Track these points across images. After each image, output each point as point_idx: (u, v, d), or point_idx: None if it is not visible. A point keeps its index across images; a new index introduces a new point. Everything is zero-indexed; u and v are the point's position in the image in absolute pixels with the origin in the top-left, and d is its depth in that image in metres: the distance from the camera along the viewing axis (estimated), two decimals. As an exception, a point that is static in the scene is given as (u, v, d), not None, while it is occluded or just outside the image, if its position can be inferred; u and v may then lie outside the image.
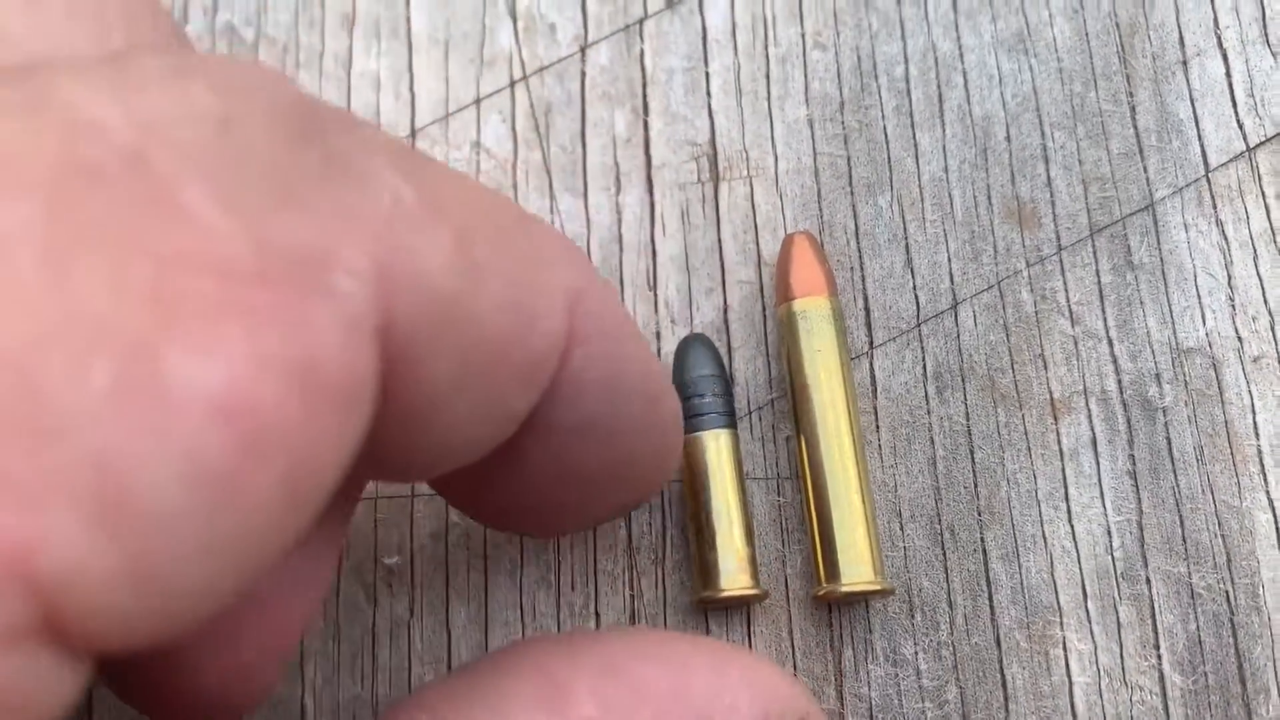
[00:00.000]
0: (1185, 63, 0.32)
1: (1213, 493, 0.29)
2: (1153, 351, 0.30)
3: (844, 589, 0.28)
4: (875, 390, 0.30)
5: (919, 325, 0.31)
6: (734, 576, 0.28)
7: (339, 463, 0.15)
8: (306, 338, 0.14)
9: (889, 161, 0.32)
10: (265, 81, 0.17)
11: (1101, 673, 0.28)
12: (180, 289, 0.14)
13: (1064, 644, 0.28)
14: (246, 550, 0.14)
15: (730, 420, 0.29)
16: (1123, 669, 0.28)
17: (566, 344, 0.19)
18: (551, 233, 0.20)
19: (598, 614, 0.29)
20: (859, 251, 0.31)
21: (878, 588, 0.28)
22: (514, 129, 0.33)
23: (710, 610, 0.29)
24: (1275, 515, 0.29)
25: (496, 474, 0.21)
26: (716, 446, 0.29)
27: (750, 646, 0.29)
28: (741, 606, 0.29)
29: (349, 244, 0.15)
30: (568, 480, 0.22)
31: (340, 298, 0.15)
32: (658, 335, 0.31)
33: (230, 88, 0.16)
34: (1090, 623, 0.28)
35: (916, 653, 0.28)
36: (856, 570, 0.28)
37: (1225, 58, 0.32)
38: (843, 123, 0.32)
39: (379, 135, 0.18)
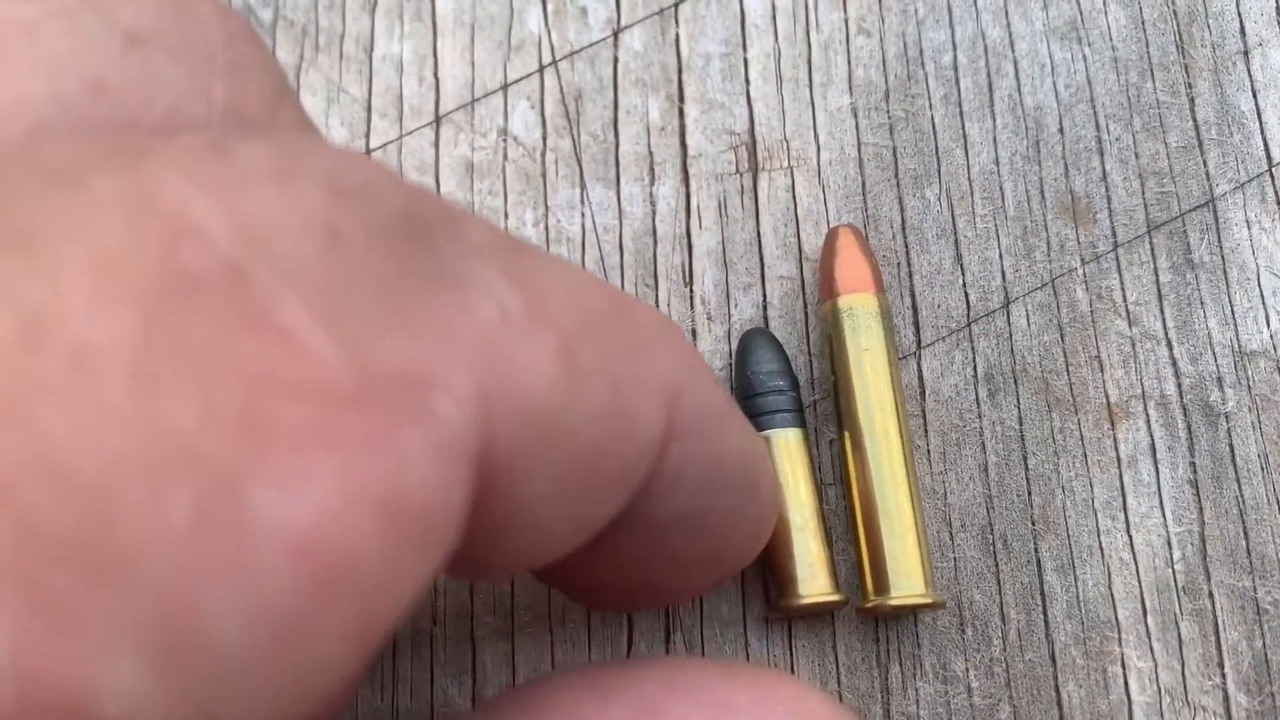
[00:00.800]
0: (1246, 53, 0.31)
1: (1278, 503, 0.28)
2: (1214, 354, 0.29)
3: (893, 602, 0.26)
4: (923, 393, 0.29)
5: (969, 325, 0.29)
6: (813, 583, 0.26)
7: (415, 592, 0.15)
8: (400, 469, 0.14)
9: (937, 153, 0.30)
10: (376, 181, 0.16)
11: (1163, 692, 0.27)
12: (272, 415, 0.13)
13: (1122, 661, 0.27)
14: (310, 686, 0.14)
15: (799, 419, 0.28)
16: (1185, 688, 0.27)
17: (663, 442, 0.19)
18: (651, 316, 0.19)
19: (631, 624, 0.28)
20: (906, 247, 0.30)
21: (928, 601, 0.26)
22: (543, 116, 0.31)
23: (791, 618, 0.27)
24: (1344, 527, 0.27)
25: (582, 559, 0.20)
26: (787, 447, 0.27)
27: (793, 662, 0.27)
28: (822, 614, 0.27)
29: (452, 365, 0.15)
30: (658, 565, 0.21)
31: (440, 423, 0.14)
32: (694, 333, 0.30)
33: (340, 189, 0.15)
34: (1150, 639, 0.27)
35: (967, 669, 0.27)
36: (907, 582, 0.26)
37: (1288, 48, 0.31)
38: (888, 112, 0.31)
39: (484, 233, 0.17)
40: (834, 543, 0.28)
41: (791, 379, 0.28)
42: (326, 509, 0.13)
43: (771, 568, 0.27)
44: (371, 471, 0.13)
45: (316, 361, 0.14)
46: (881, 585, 0.26)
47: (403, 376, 0.14)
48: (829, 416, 0.28)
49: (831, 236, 0.29)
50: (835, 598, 0.27)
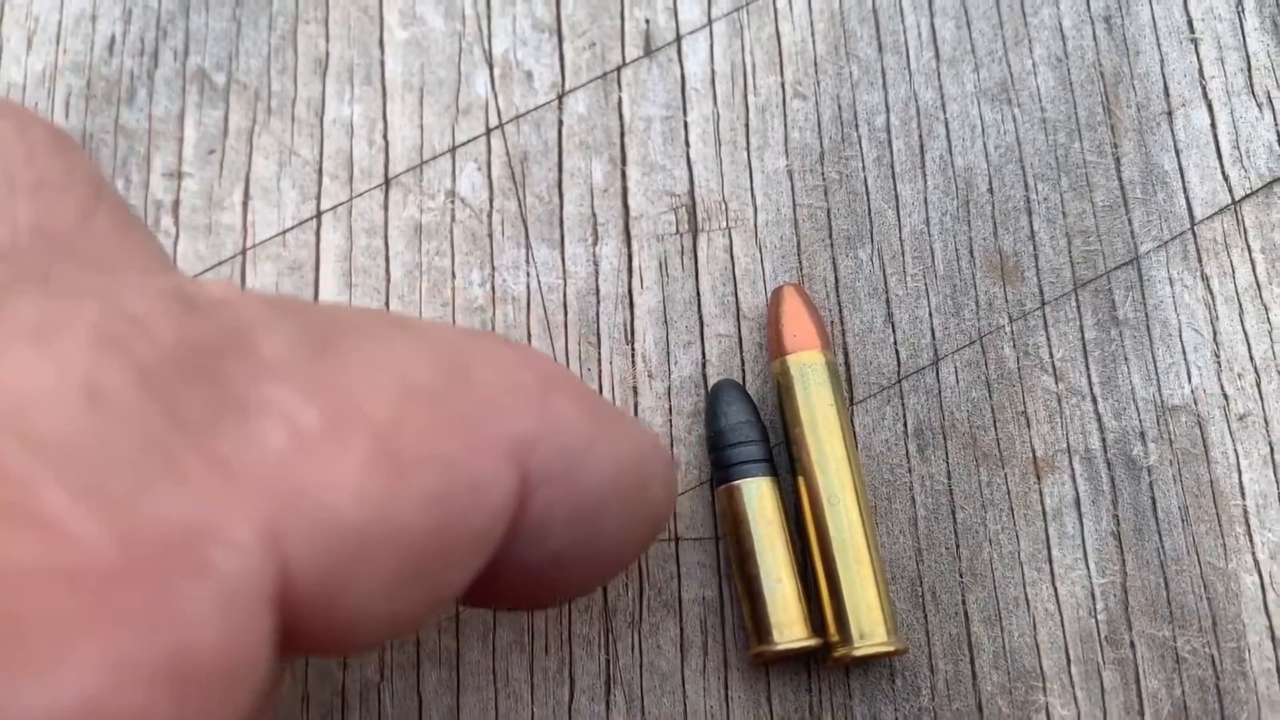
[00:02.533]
0: (1170, 113, 0.32)
1: (1198, 554, 0.29)
2: (1137, 409, 0.30)
3: (859, 652, 0.27)
4: (857, 449, 0.30)
5: (900, 381, 0.30)
6: (788, 629, 0.27)
7: None
8: (182, 631, 0.13)
9: (870, 213, 0.31)
10: (151, 318, 0.15)
11: (1085, 740, 0.28)
12: (30, 606, 0.13)
13: (1047, 710, 0.28)
14: None
15: (770, 467, 0.28)
16: (1107, 736, 0.28)
17: (520, 498, 0.18)
18: (493, 368, 0.18)
19: (572, 679, 0.28)
20: (839, 305, 0.31)
21: (893, 648, 0.27)
22: (490, 178, 0.32)
23: (767, 663, 0.28)
24: (1261, 577, 0.28)
25: (470, 590, 0.20)
26: (759, 495, 0.28)
27: (729, 712, 0.28)
28: (798, 659, 0.28)
29: (231, 511, 0.14)
30: (552, 581, 0.21)
31: (221, 576, 0.14)
32: (635, 390, 0.31)
33: (106, 337, 0.14)
34: (1074, 687, 0.28)
35: (897, 718, 0.28)
36: (871, 631, 0.27)
37: (1210, 108, 0.32)
38: (823, 174, 0.32)
39: (282, 341, 0.16)
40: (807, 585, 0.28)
41: (762, 429, 0.29)
42: (92, 685, 0.13)
43: (748, 614, 0.28)
44: (146, 641, 0.13)
45: (76, 542, 0.13)
46: (847, 635, 0.27)
47: (173, 537, 0.14)
48: (785, 468, 0.29)
49: (777, 295, 0.30)
50: (811, 643, 0.27)
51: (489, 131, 0.33)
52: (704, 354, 0.31)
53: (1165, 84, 0.32)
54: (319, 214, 0.32)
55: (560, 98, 0.33)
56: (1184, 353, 0.30)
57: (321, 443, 0.15)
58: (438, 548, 0.16)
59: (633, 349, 0.31)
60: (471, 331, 0.20)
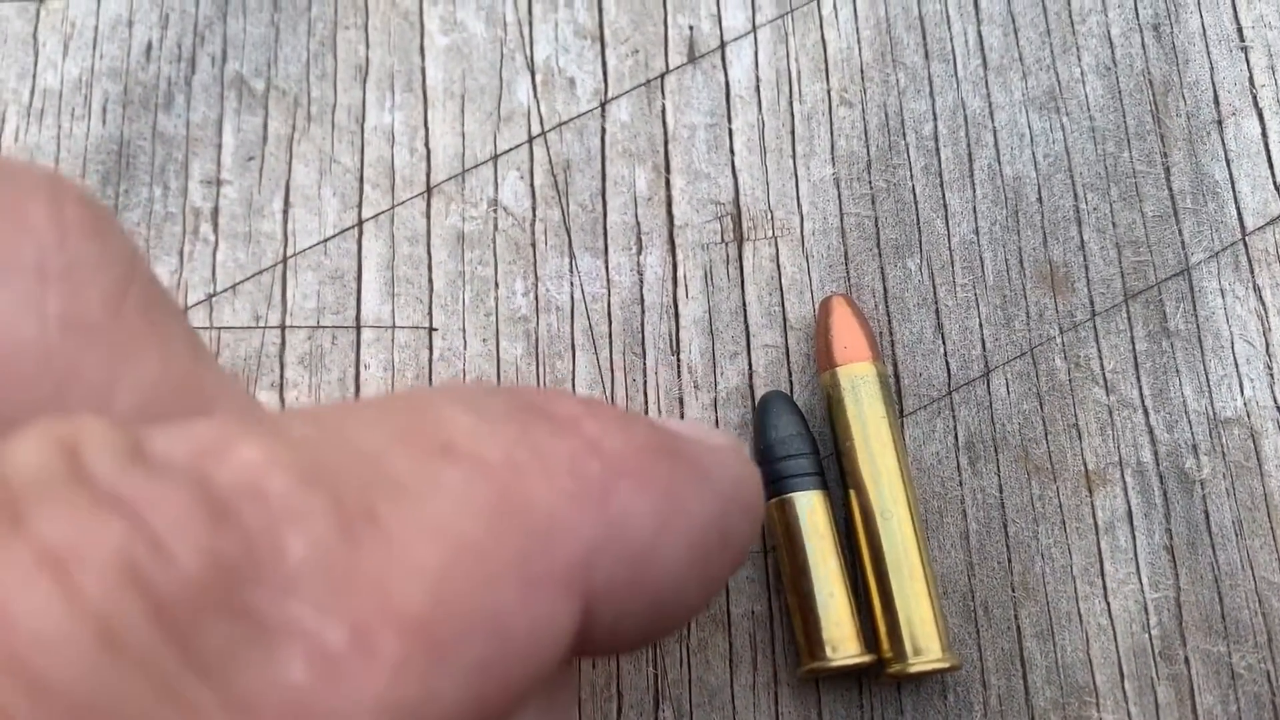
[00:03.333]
0: (1220, 122, 0.32)
1: (1253, 568, 0.28)
2: (1189, 422, 0.29)
3: (914, 669, 0.27)
4: (908, 462, 0.29)
5: (950, 393, 0.30)
6: (842, 645, 0.27)
7: None
8: None
9: (918, 223, 0.31)
10: (177, 530, 0.14)
11: (1140, 757, 0.27)
12: None
13: (1101, 726, 0.27)
14: None
15: (821, 480, 0.28)
16: (1162, 752, 0.27)
17: (583, 616, 0.17)
18: (554, 458, 0.17)
19: (620, 694, 0.28)
20: (888, 315, 0.30)
21: (947, 664, 0.27)
22: (532, 186, 0.32)
23: (818, 679, 0.28)
24: (1316, 592, 0.28)
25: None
26: (810, 508, 0.28)
27: (778, 728, 0.28)
28: (850, 675, 0.28)
29: None
30: (629, 644, 0.20)
31: None
32: (680, 401, 0.30)
33: (127, 565, 0.13)
34: (1128, 703, 0.28)
35: (949, 735, 0.28)
36: (926, 647, 0.27)
37: (1261, 117, 0.32)
38: (870, 182, 0.32)
39: (311, 527, 0.15)
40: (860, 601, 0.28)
41: (812, 442, 0.29)
42: None
43: (800, 629, 0.27)
44: None
45: None
46: (900, 651, 0.27)
47: None
48: (835, 481, 0.29)
49: (826, 306, 0.29)
50: (865, 659, 0.27)
51: (531, 139, 0.32)
52: (751, 365, 0.30)
53: (1215, 92, 0.32)
54: (360, 222, 0.32)
55: (603, 105, 0.33)
56: (1236, 365, 0.30)
57: (347, 662, 0.14)
58: (483, 703, 0.16)
59: (678, 360, 0.31)
60: (528, 403, 0.18)
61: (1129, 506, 0.29)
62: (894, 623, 0.27)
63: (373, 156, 0.32)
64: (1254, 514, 0.29)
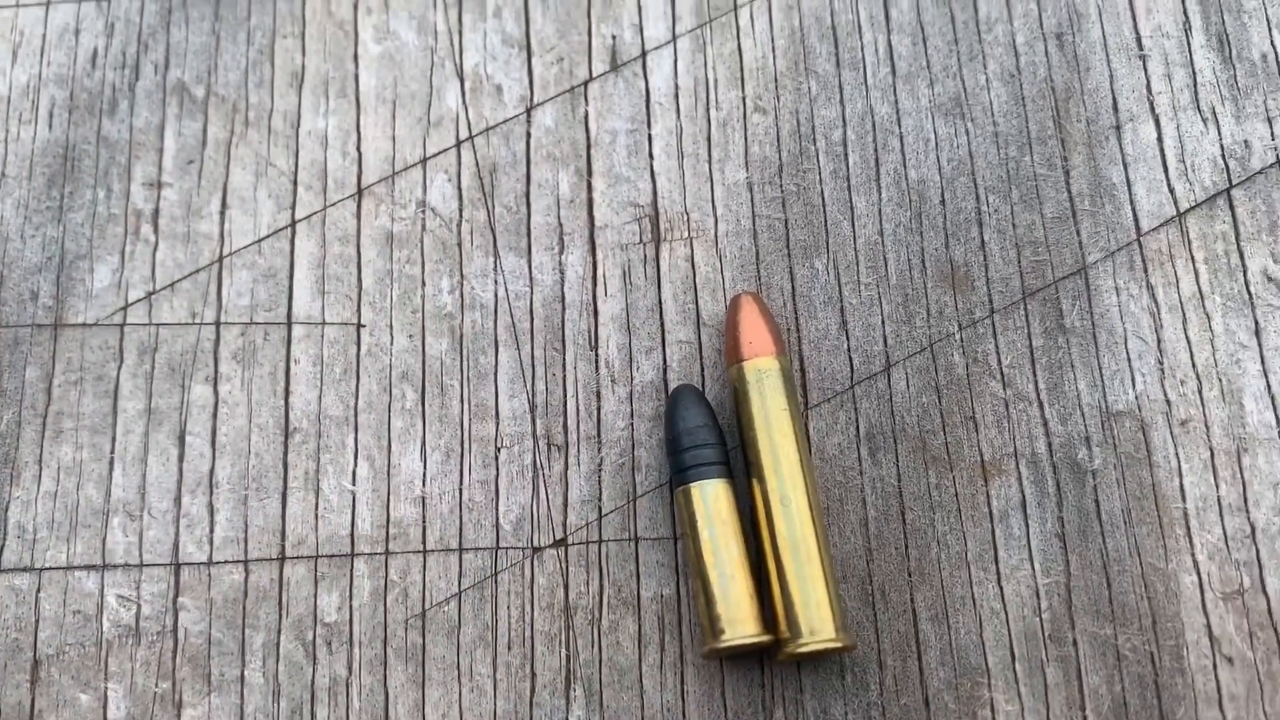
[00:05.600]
0: (1119, 128, 0.33)
1: (1140, 555, 0.30)
2: (1083, 414, 0.31)
3: (807, 648, 0.28)
4: (809, 451, 0.31)
5: (853, 387, 0.31)
6: (740, 626, 0.28)
7: None
8: None
9: (826, 225, 0.32)
10: None
11: (1027, 734, 0.29)
12: None
13: (991, 705, 0.29)
14: None
15: (726, 470, 0.29)
16: (1049, 730, 0.29)
17: None
18: None
19: (534, 674, 0.29)
20: (795, 313, 0.32)
21: (840, 644, 0.28)
22: (460, 188, 0.33)
23: (721, 658, 0.29)
24: (1200, 577, 0.29)
25: None
26: (715, 496, 0.29)
27: (684, 707, 0.29)
28: (752, 655, 0.29)
29: None
30: None
31: None
32: (598, 395, 0.32)
33: None
34: (1018, 684, 0.29)
35: (846, 713, 0.29)
36: (820, 628, 0.28)
37: (1158, 123, 0.33)
38: (781, 186, 0.33)
39: None
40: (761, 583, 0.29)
41: (719, 433, 0.30)
42: None
43: (703, 611, 0.29)
44: None
45: None
46: (797, 632, 0.28)
47: None
48: (741, 470, 0.30)
49: (734, 303, 0.31)
50: (763, 639, 0.28)
51: (459, 143, 0.34)
52: (665, 360, 0.32)
53: (1114, 99, 0.33)
54: (294, 223, 0.33)
55: (529, 111, 0.34)
56: (1129, 360, 0.31)
57: None
58: None
59: (596, 355, 0.32)
60: None
61: (1023, 495, 0.30)
62: (790, 604, 0.28)
63: (306, 160, 0.34)
64: (1142, 503, 0.30)
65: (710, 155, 0.33)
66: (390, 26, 0.35)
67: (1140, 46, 0.34)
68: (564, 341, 0.32)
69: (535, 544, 0.30)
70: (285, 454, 0.31)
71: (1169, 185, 0.32)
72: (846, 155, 0.33)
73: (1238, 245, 0.32)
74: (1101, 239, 0.32)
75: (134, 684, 0.30)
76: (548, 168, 0.33)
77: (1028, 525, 0.30)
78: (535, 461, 0.31)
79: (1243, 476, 0.30)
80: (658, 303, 0.32)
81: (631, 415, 0.31)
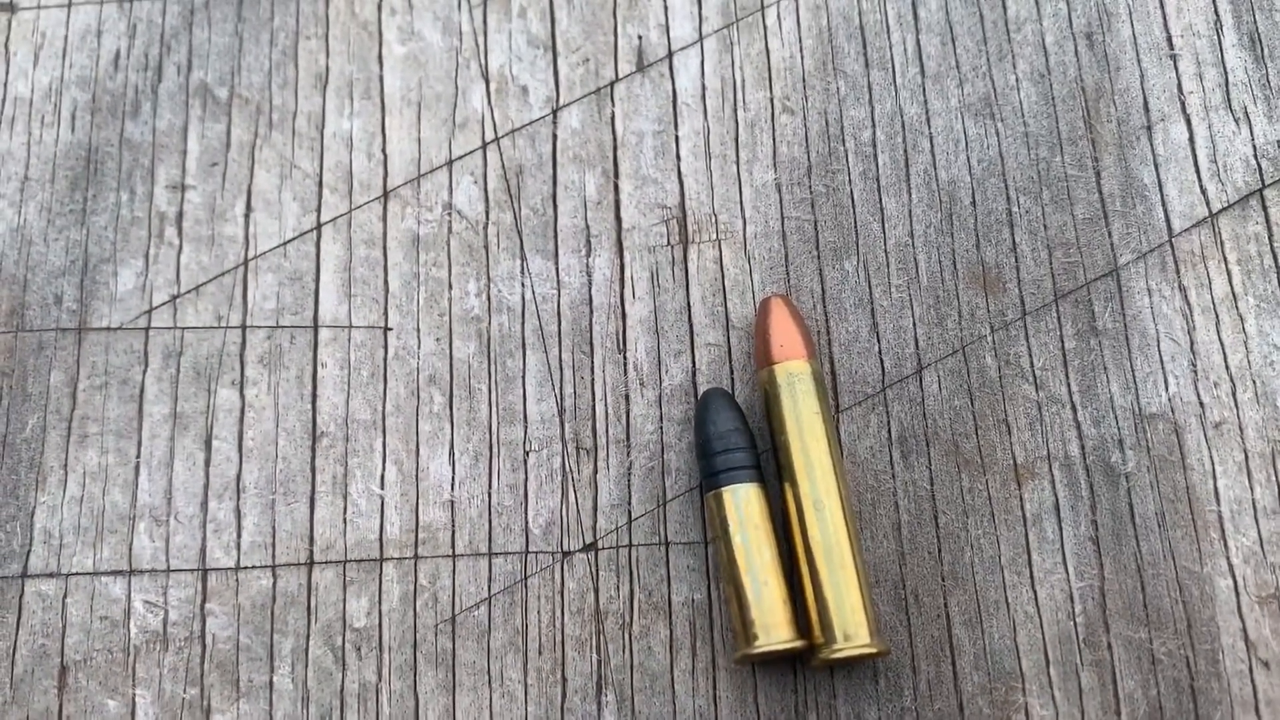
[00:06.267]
0: (1150, 128, 0.33)
1: (1174, 558, 0.29)
2: (1115, 417, 0.30)
3: (841, 654, 0.28)
4: (841, 455, 0.30)
5: (884, 390, 0.31)
6: (774, 631, 0.28)
7: None
8: None
9: (855, 226, 0.32)
10: None
11: (1063, 739, 0.28)
12: None
13: (1026, 710, 0.29)
14: None
15: (757, 474, 0.29)
16: (1084, 735, 0.28)
17: None
18: None
19: (565, 679, 0.29)
20: (825, 316, 0.32)
21: (874, 650, 0.28)
22: (486, 190, 0.33)
23: (753, 664, 0.29)
24: (1235, 580, 0.29)
25: None
26: (747, 500, 0.29)
27: (716, 712, 0.29)
28: (785, 661, 0.29)
29: None
30: None
31: None
32: (626, 398, 0.31)
33: None
34: (1053, 688, 0.29)
35: (880, 718, 0.29)
36: (854, 634, 0.28)
37: (1189, 123, 0.33)
38: (810, 187, 0.33)
39: None
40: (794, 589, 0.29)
41: (750, 436, 0.30)
42: None
43: (736, 616, 0.28)
44: None
45: None
46: (830, 637, 0.28)
47: None
48: (771, 475, 0.30)
49: (764, 306, 0.30)
50: (796, 644, 0.28)
51: (485, 145, 0.33)
52: (694, 363, 0.32)
53: (1145, 99, 0.33)
54: (319, 225, 0.33)
55: (555, 112, 0.34)
56: (1161, 362, 0.31)
57: None
58: None
59: (625, 358, 0.32)
60: None
61: (1056, 499, 0.30)
62: (824, 610, 0.28)
63: (331, 162, 0.33)
64: (1176, 505, 0.30)
65: (738, 156, 0.33)
66: (415, 27, 0.35)
67: (1171, 46, 0.33)
68: (592, 344, 0.32)
69: (565, 548, 0.30)
70: (313, 458, 0.31)
71: (1201, 186, 0.32)
72: (876, 156, 0.33)
73: (1271, 246, 0.32)
74: (1133, 240, 0.32)
75: (162, 690, 0.29)
76: (574, 169, 0.33)
77: (1061, 529, 0.30)
78: (564, 465, 0.31)
79: (1277, 479, 0.30)
80: (686, 305, 0.32)
81: (661, 419, 0.31)
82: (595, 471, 0.31)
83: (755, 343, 0.30)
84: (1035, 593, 0.29)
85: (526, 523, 0.30)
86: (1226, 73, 0.33)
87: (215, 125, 0.34)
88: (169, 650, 0.30)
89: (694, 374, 0.31)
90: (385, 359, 0.32)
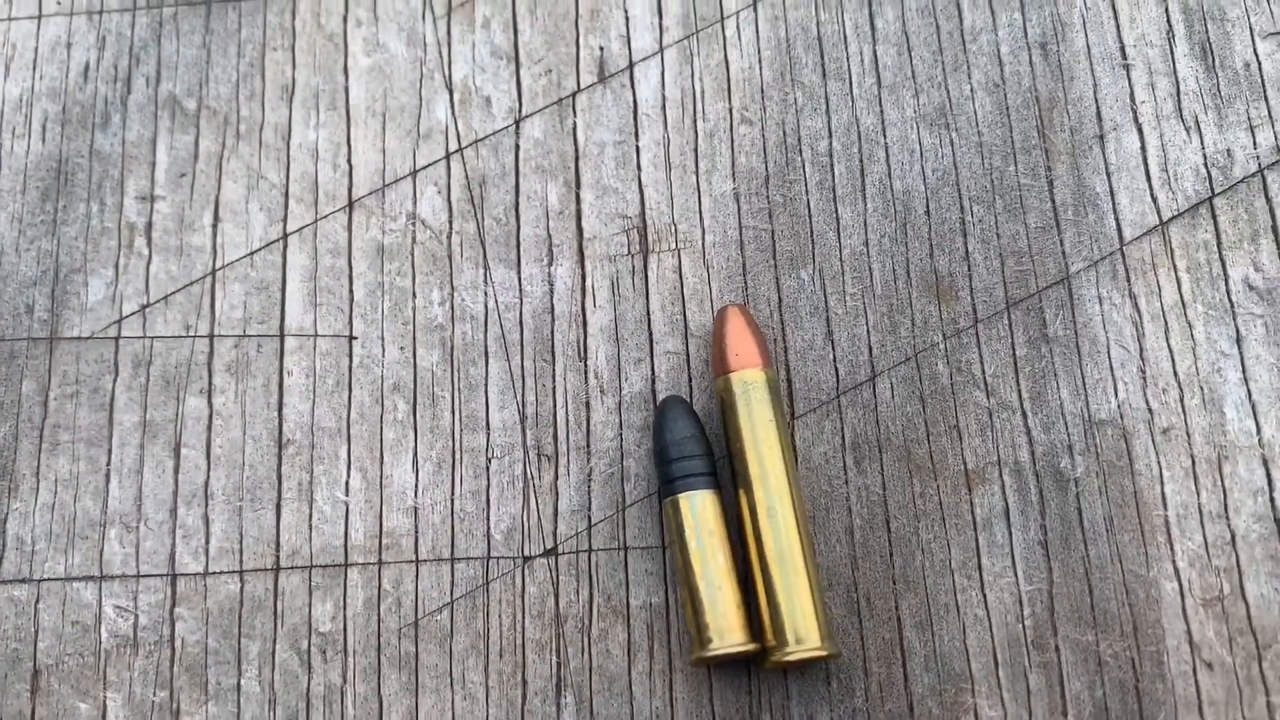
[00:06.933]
0: (1102, 137, 0.33)
1: (1121, 562, 0.30)
2: (1065, 423, 0.31)
3: (792, 656, 0.28)
4: (795, 460, 0.31)
5: (838, 396, 0.32)
6: (727, 635, 0.29)
7: None
8: None
9: (812, 235, 0.33)
10: None
11: (1010, 739, 0.29)
12: None
13: (975, 711, 0.29)
14: None
15: (713, 480, 0.30)
16: (1031, 735, 0.29)
17: None
18: None
19: (525, 681, 0.30)
20: (782, 323, 0.32)
21: (825, 653, 0.28)
22: (449, 200, 0.34)
23: (709, 667, 0.30)
24: (1180, 584, 0.30)
25: None
26: (702, 506, 0.29)
27: (673, 713, 0.30)
28: (739, 663, 0.30)
29: None
30: None
31: None
32: (587, 405, 0.32)
33: None
34: (1001, 690, 0.29)
35: (832, 719, 0.29)
36: (806, 637, 0.28)
37: (1141, 132, 0.33)
38: (768, 197, 0.33)
39: None
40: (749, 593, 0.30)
41: (706, 444, 0.30)
42: None
43: (691, 620, 0.29)
44: None
45: None
46: (783, 640, 0.29)
47: None
48: (727, 482, 0.31)
49: (721, 315, 0.31)
50: (749, 647, 0.29)
51: (449, 155, 0.34)
52: (654, 370, 0.32)
53: (1098, 109, 0.33)
54: (285, 235, 0.33)
55: (517, 123, 0.34)
56: (1111, 369, 0.31)
57: None
58: None
59: (585, 366, 0.32)
60: None
61: (1006, 504, 0.31)
62: (776, 613, 0.29)
63: (297, 172, 0.34)
64: (1124, 510, 0.30)
65: (698, 166, 0.34)
66: (380, 39, 0.35)
67: (1124, 56, 0.34)
68: (553, 352, 0.32)
69: (526, 553, 0.31)
70: (279, 465, 0.32)
71: (1152, 194, 0.33)
72: (832, 166, 0.33)
73: (1220, 254, 0.32)
74: (1085, 248, 0.32)
75: (132, 693, 0.30)
76: (536, 179, 0.34)
77: (1011, 533, 0.30)
78: (526, 472, 0.31)
79: (1223, 484, 0.30)
80: (646, 314, 0.33)
81: (620, 425, 0.32)
82: (556, 478, 0.31)
83: (712, 351, 0.31)
84: (985, 596, 0.30)
85: (488, 528, 0.31)
86: (1178, 82, 0.33)
87: (184, 136, 0.34)
88: (139, 654, 0.30)
89: (653, 381, 0.32)
90: (350, 367, 0.32)
